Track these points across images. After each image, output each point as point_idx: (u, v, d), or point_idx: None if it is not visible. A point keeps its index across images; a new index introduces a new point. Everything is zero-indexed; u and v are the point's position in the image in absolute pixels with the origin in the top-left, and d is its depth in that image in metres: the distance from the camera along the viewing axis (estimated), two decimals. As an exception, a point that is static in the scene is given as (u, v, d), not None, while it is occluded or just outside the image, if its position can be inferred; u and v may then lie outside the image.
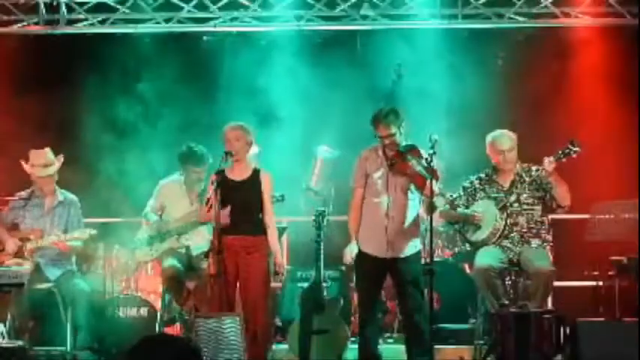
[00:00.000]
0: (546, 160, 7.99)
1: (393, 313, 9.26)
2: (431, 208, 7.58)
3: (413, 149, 7.70)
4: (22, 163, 8.80)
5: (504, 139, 8.29)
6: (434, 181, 7.61)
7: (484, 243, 8.22)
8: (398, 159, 7.73)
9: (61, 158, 8.83)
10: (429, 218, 7.58)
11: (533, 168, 8.24)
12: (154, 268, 9.44)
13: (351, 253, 7.89)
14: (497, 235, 8.19)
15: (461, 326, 9.03)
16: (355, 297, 9.13)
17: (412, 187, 7.78)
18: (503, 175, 8.32)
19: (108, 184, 10.12)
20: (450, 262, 9.51)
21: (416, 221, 7.87)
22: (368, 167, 7.88)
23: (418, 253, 7.85)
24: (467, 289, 8.86)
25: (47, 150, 8.82)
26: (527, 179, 8.22)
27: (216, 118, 9.96)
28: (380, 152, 7.86)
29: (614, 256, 8.67)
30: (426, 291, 7.71)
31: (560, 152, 7.97)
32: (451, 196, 8.30)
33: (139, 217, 9.02)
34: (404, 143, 7.76)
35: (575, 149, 7.95)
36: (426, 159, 7.56)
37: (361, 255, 7.87)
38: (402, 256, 7.79)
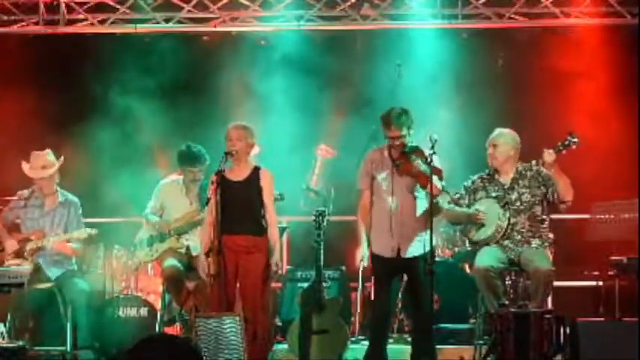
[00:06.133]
0: (546, 151, 7.97)
1: (393, 313, 9.26)
2: (431, 209, 7.58)
3: (417, 150, 7.69)
4: (23, 164, 8.79)
5: (500, 136, 8.27)
6: (438, 180, 7.62)
7: (487, 242, 8.20)
8: (403, 160, 7.73)
9: (62, 160, 8.83)
10: (429, 218, 7.59)
11: (533, 162, 8.22)
12: (154, 268, 9.45)
13: (361, 255, 7.90)
14: (501, 234, 8.16)
15: (461, 326, 9.02)
16: (354, 297, 9.16)
17: (418, 186, 7.78)
18: (504, 173, 8.30)
19: (108, 184, 10.13)
20: (450, 262, 9.51)
21: (424, 220, 7.83)
22: (373, 168, 7.88)
23: (427, 253, 7.82)
24: (467, 289, 8.86)
25: (47, 152, 8.81)
26: (528, 175, 8.20)
27: (216, 117, 9.99)
28: (385, 153, 7.85)
29: (614, 256, 8.68)
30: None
31: (559, 144, 7.95)
32: (456, 193, 8.30)
33: (139, 217, 9.02)
34: (409, 144, 7.75)
35: (574, 140, 7.92)
36: (426, 159, 7.57)
37: (373, 257, 7.87)
38: (411, 256, 7.79)
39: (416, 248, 7.79)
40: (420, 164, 7.64)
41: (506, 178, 8.28)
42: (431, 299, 7.61)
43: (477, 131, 8.97)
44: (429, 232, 7.67)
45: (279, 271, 8.12)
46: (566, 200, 8.11)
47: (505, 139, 8.26)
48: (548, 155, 7.94)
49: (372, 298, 7.96)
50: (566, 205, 8.18)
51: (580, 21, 10.45)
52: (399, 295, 8.83)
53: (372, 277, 8.07)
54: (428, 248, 7.74)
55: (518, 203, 8.19)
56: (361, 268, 8.16)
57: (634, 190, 9.04)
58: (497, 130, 8.32)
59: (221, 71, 10.51)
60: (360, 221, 7.95)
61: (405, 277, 8.18)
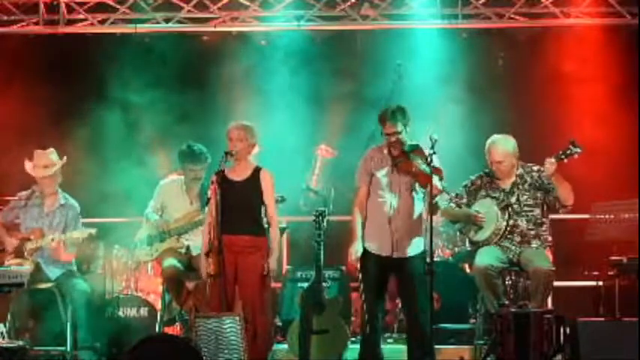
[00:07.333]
0: (547, 161, 7.97)
1: (393, 313, 9.27)
2: (431, 208, 7.57)
3: (417, 149, 7.70)
4: (26, 162, 8.79)
5: (499, 149, 8.20)
6: (439, 180, 7.62)
7: (486, 243, 8.21)
8: (403, 158, 7.73)
9: (64, 159, 8.83)
10: (429, 218, 7.58)
11: (534, 168, 8.22)
12: (153, 268, 9.44)
13: (355, 252, 7.88)
14: (499, 236, 8.17)
15: (461, 326, 9.02)
16: (354, 297, 9.15)
17: (417, 186, 7.78)
18: (504, 176, 8.29)
19: (108, 183, 10.13)
20: (450, 262, 9.51)
21: (420, 220, 7.84)
22: (373, 166, 7.87)
23: (423, 252, 7.83)
24: (467, 289, 8.86)
25: (50, 150, 8.82)
26: (528, 180, 8.21)
27: (216, 117, 9.99)
28: (385, 151, 7.86)
29: (614, 256, 8.67)
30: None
31: (561, 153, 7.95)
32: (456, 194, 8.30)
33: (139, 217, 9.02)
34: (409, 143, 7.76)
35: (576, 150, 7.93)
36: (426, 158, 7.57)
37: (366, 254, 7.86)
38: (407, 255, 7.78)
39: (413, 248, 7.79)
40: (419, 163, 7.64)
41: (506, 181, 8.28)
42: (431, 299, 7.61)
43: (478, 131, 8.97)
44: (426, 231, 7.67)
45: (272, 275, 7.97)
46: (567, 205, 8.13)
47: (504, 149, 8.19)
48: (550, 164, 7.94)
49: (363, 298, 7.87)
50: (567, 210, 8.20)
51: (580, 21, 10.45)
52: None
53: (362, 279, 7.96)
54: (421, 249, 7.76)
55: (517, 206, 8.19)
56: (357, 262, 8.10)
57: (634, 190, 9.04)
58: (493, 140, 8.25)
59: (221, 71, 10.51)
60: (356, 216, 7.92)
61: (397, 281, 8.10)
